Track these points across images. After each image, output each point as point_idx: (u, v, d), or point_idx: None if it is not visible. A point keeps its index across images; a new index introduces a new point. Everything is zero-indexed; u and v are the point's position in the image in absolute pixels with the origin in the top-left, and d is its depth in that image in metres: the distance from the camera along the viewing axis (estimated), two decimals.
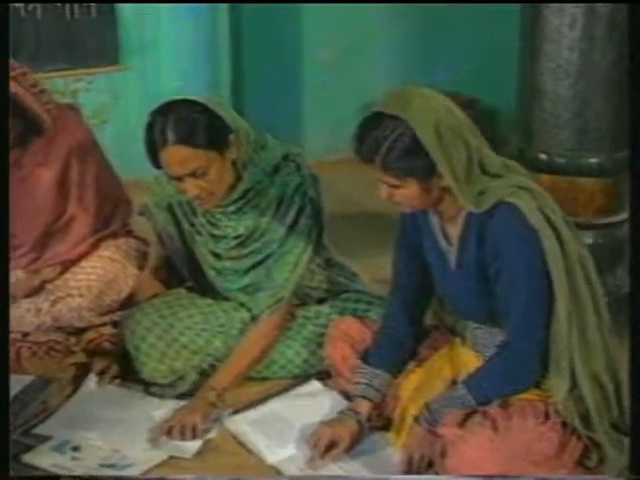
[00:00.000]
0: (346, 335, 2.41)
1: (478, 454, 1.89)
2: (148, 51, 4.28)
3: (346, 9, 4.81)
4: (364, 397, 2.22)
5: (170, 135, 2.25)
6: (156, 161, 2.33)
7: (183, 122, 2.26)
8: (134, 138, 4.26)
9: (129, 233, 2.96)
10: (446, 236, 2.13)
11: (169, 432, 2.27)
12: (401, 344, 2.28)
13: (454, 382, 2.24)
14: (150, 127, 2.31)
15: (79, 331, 2.75)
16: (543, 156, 2.62)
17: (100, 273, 2.79)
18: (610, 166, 2.61)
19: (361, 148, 1.97)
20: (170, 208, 2.60)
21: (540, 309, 1.98)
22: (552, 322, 1.99)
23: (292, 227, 2.47)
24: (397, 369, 2.27)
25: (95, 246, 2.84)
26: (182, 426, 2.27)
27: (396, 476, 2.10)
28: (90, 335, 2.74)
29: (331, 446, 2.15)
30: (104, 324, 2.76)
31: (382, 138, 1.92)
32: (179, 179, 2.33)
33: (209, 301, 2.63)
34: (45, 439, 2.28)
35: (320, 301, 2.65)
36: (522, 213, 1.95)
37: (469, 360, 2.22)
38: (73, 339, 2.74)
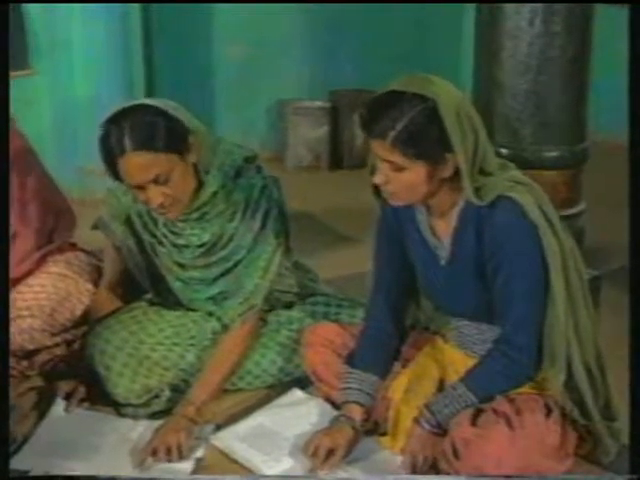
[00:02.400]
0: (326, 340, 2.36)
1: (499, 451, 1.89)
2: (59, 53, 4.09)
3: (255, 7, 4.77)
4: (356, 402, 2.18)
5: (128, 142, 2.15)
6: (115, 172, 2.22)
7: (140, 127, 2.16)
8: (47, 144, 4.14)
9: (73, 246, 2.82)
10: (434, 232, 2.11)
11: (154, 454, 2.17)
12: (386, 344, 2.25)
13: (442, 381, 2.24)
14: (105, 137, 2.20)
15: (30, 353, 2.60)
16: (504, 151, 2.66)
17: (50, 291, 2.63)
18: (570, 158, 2.68)
19: (373, 124, 1.91)
20: (128, 220, 2.48)
21: (539, 303, 1.99)
22: (549, 315, 2.01)
23: (260, 231, 2.40)
24: (384, 371, 2.24)
25: (41, 262, 2.68)
26: (167, 447, 2.17)
27: (395, 476, 2.08)
28: (43, 357, 2.60)
29: (329, 454, 2.11)
30: (57, 344, 2.62)
31: (399, 115, 1.88)
32: (141, 188, 2.22)
33: (177, 313, 2.53)
34: (23, 474, 2.11)
35: (289, 305, 2.61)
36: (522, 208, 1.95)
37: (456, 358, 2.22)
38: (25, 362, 2.59)
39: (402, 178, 1.94)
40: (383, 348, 2.25)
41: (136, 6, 4.31)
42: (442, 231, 2.09)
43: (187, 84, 4.73)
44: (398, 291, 2.25)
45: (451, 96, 1.90)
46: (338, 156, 5.30)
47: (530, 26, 2.52)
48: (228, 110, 5.00)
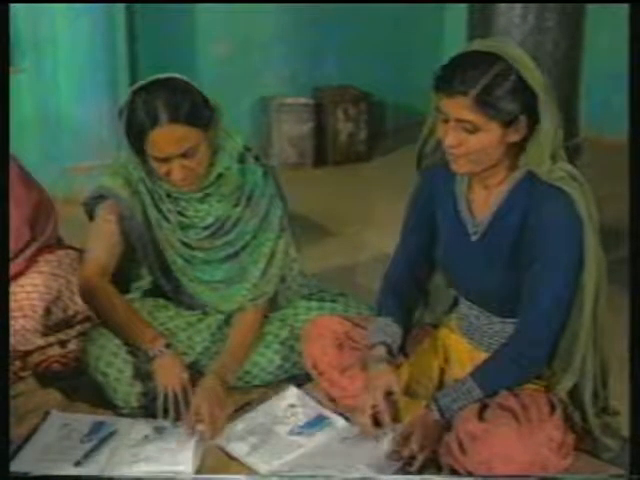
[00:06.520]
0: (327, 329, 2.34)
1: (508, 447, 1.88)
2: (43, 52, 4.05)
3: (239, 5, 4.78)
4: (382, 343, 2.17)
5: (164, 114, 2.15)
6: (138, 144, 2.21)
7: (177, 99, 2.17)
8: (30, 143, 4.11)
9: (64, 245, 2.78)
10: (470, 207, 2.10)
11: (200, 423, 2.17)
12: (404, 294, 2.26)
13: (443, 372, 2.26)
14: (135, 108, 2.18)
15: (23, 354, 2.57)
16: None
17: (42, 291, 2.59)
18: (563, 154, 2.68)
19: (452, 82, 1.92)
20: (138, 195, 2.39)
21: (566, 300, 1.98)
22: (574, 319, 1.99)
23: (265, 218, 2.43)
24: (403, 321, 2.23)
25: (32, 261, 2.64)
26: (211, 413, 2.17)
27: (406, 476, 2.07)
28: (36, 358, 2.57)
29: (388, 396, 2.12)
30: (50, 345, 2.60)
31: (480, 73, 1.90)
32: (164, 161, 2.21)
33: (170, 313, 2.50)
34: (23, 476, 2.09)
35: (291, 302, 2.58)
36: (574, 202, 1.94)
37: (461, 348, 2.24)
38: (18, 363, 2.57)
39: (474, 140, 1.94)
40: (401, 296, 2.26)
41: (120, 5, 4.28)
42: (480, 207, 2.08)
43: None
44: (418, 259, 2.26)
45: (530, 60, 1.93)
46: (323, 152, 5.31)
47: (523, 22, 2.53)
48: None
